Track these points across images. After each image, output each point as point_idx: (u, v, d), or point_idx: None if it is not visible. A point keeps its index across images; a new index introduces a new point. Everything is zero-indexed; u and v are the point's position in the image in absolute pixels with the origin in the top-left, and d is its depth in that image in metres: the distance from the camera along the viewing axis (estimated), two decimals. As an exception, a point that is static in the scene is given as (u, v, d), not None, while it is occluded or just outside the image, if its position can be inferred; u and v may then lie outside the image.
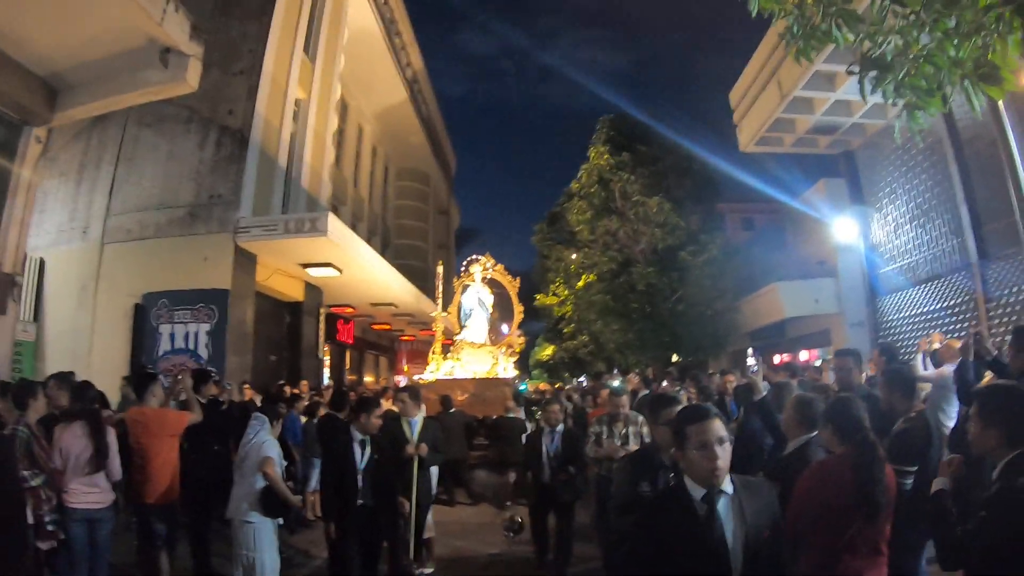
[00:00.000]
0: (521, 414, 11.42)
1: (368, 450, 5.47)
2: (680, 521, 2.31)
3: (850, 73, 3.81)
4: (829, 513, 2.84)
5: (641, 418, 5.90)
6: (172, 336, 11.27)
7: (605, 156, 26.50)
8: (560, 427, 6.57)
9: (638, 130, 26.48)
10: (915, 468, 3.45)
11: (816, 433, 3.50)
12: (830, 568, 2.89)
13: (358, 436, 5.46)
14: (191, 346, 11.23)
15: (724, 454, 2.30)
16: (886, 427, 3.98)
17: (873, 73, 3.52)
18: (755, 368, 11.45)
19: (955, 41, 3.17)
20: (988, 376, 4.94)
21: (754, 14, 3.83)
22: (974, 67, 3.20)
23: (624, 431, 5.92)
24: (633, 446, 5.63)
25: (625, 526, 2.83)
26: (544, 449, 6.40)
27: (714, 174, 26.32)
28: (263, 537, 5.15)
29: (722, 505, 2.31)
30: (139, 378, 6.50)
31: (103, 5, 7.78)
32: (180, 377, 6.60)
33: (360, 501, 5.32)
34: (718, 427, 2.34)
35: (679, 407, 3.19)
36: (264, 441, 5.32)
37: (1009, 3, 2.91)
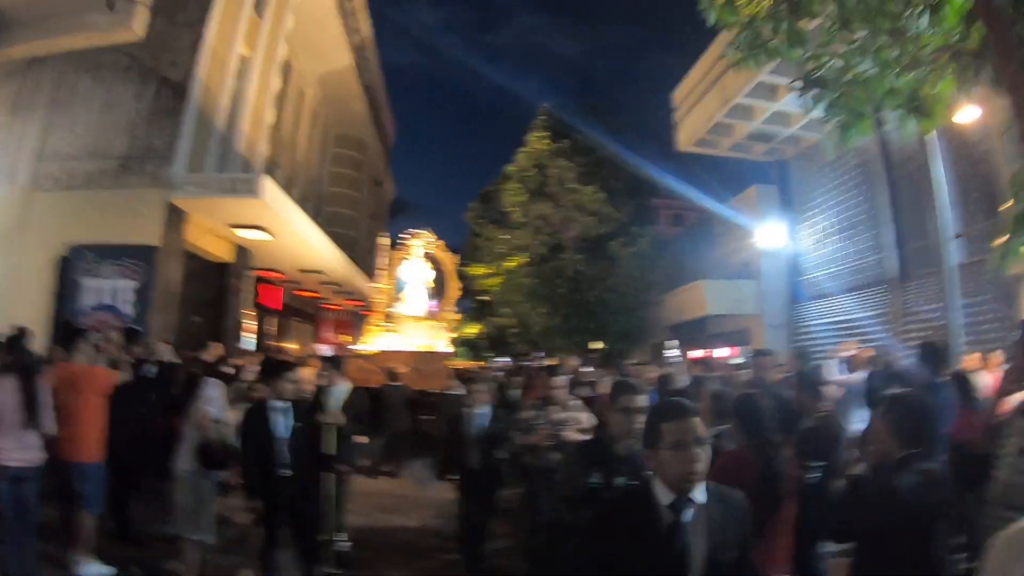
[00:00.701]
0: (463, 390, 11.43)
1: (290, 418, 5.23)
2: (641, 526, 2.17)
3: (792, 88, 4.09)
4: None
5: (580, 403, 5.88)
6: (97, 291, 10.89)
7: (544, 141, 26.83)
8: (486, 409, 6.07)
9: (579, 119, 26.80)
10: (820, 464, 3.71)
11: (728, 425, 3.86)
12: None
13: (277, 404, 5.21)
14: (116, 302, 10.89)
15: (703, 456, 2.17)
16: (795, 424, 4.34)
17: (814, 91, 3.79)
18: (678, 359, 11.92)
19: (895, 71, 3.45)
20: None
21: (711, 22, 4.04)
22: (908, 99, 3.50)
23: (559, 417, 5.53)
24: (569, 434, 5.30)
25: (578, 520, 2.91)
26: (469, 432, 5.94)
27: (648, 168, 26.96)
28: (201, 490, 5.19)
29: (690, 516, 2.17)
30: (67, 333, 6.35)
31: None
32: (111, 335, 6.51)
33: (286, 472, 5.08)
34: (697, 425, 2.21)
35: (641, 395, 3.36)
36: (211, 398, 5.46)
37: (947, 50, 3.18)
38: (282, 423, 5.15)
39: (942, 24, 2.99)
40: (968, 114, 8.68)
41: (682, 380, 6.19)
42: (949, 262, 12.75)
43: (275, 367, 5.41)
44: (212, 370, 7.12)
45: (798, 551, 3.47)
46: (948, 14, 2.91)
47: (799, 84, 3.95)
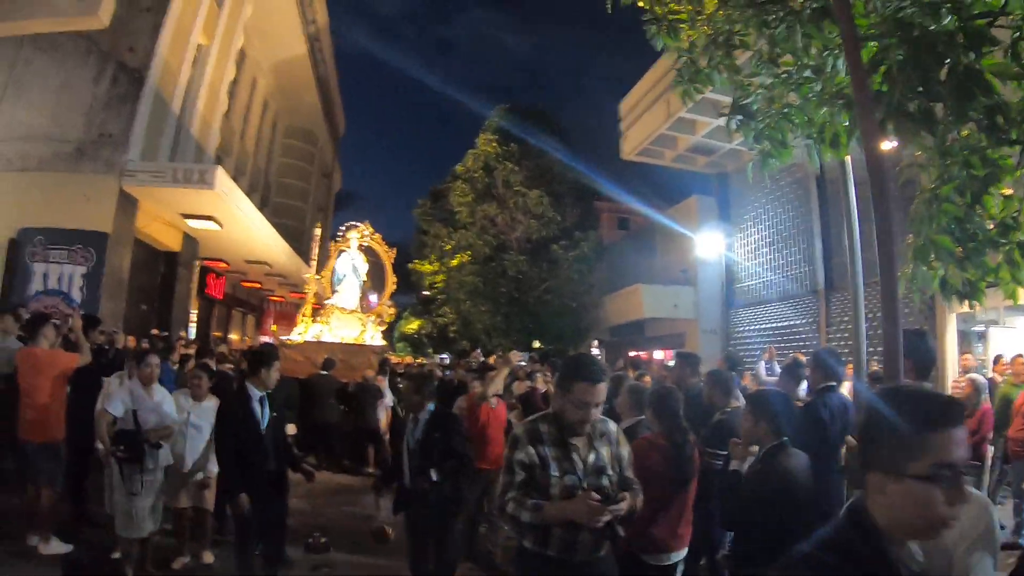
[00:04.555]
0: (384, 383, 11.42)
1: (268, 408, 4.97)
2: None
3: (721, 115, 4.51)
4: (649, 480, 3.35)
5: None
6: (45, 276, 10.71)
7: (493, 144, 27.19)
8: (424, 413, 4.92)
9: (529, 123, 27.21)
10: (725, 452, 4.08)
11: (644, 416, 4.39)
12: (650, 524, 3.69)
13: (256, 393, 4.94)
14: (65, 288, 10.74)
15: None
16: (706, 418, 4.89)
17: (739, 118, 4.20)
18: (597, 356, 12.44)
19: (813, 105, 3.88)
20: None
21: (659, 48, 4.41)
22: (819, 131, 3.95)
23: None
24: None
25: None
26: (406, 443, 4.94)
27: (594, 174, 27.60)
28: (131, 485, 5.23)
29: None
30: (33, 318, 6.44)
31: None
32: (72, 320, 6.61)
33: (270, 464, 4.88)
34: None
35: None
36: (109, 394, 5.63)
37: (841, 99, 3.60)
38: (259, 412, 4.93)
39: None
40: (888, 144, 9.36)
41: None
42: (856, 279, 13.56)
43: (261, 356, 5.16)
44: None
45: (699, 526, 4.15)
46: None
47: (726, 111, 4.29)
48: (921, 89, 2.63)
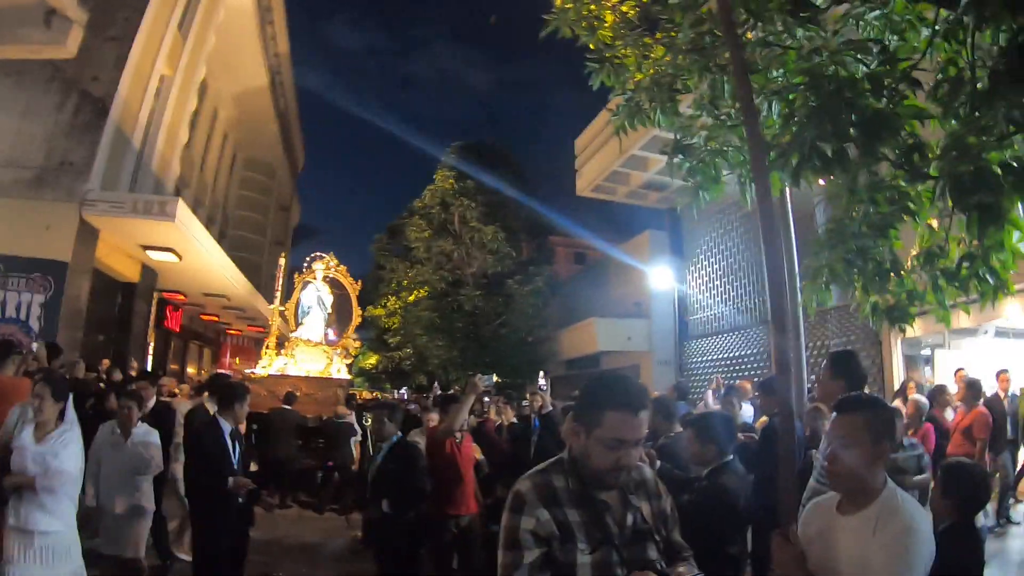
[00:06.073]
0: (351, 418, 11.41)
1: (239, 443, 5.04)
2: None
3: (663, 154, 4.80)
4: None
5: None
6: (3, 304, 10.55)
7: (450, 180, 27.64)
8: (387, 443, 5.09)
9: (485, 160, 27.77)
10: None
11: None
12: None
13: (228, 428, 4.98)
14: (22, 316, 10.58)
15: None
16: (651, 443, 5.07)
17: (679, 157, 4.51)
18: (544, 387, 12.72)
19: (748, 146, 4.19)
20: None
21: (595, 87, 4.56)
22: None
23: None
24: None
25: None
26: (369, 473, 4.98)
27: (550, 210, 28.21)
28: None
29: None
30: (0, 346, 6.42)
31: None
32: (35, 349, 6.63)
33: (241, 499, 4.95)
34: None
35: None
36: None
37: (777, 149, 3.92)
38: (231, 447, 4.97)
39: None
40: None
41: (548, 404, 6.88)
42: (795, 308, 14.17)
43: (233, 390, 5.22)
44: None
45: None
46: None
47: (668, 150, 4.49)
48: (833, 132, 2.92)
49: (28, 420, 4.29)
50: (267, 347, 14.81)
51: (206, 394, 7.27)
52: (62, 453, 4.16)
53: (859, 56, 3.05)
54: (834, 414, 2.33)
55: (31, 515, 4.04)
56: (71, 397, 4.31)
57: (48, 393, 4.20)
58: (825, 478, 2.68)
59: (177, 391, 9.43)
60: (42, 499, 4.05)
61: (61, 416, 4.27)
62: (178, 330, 18.53)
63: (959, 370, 8.52)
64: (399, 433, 5.24)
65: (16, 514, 4.06)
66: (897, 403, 7.80)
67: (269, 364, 14.23)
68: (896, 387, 11.14)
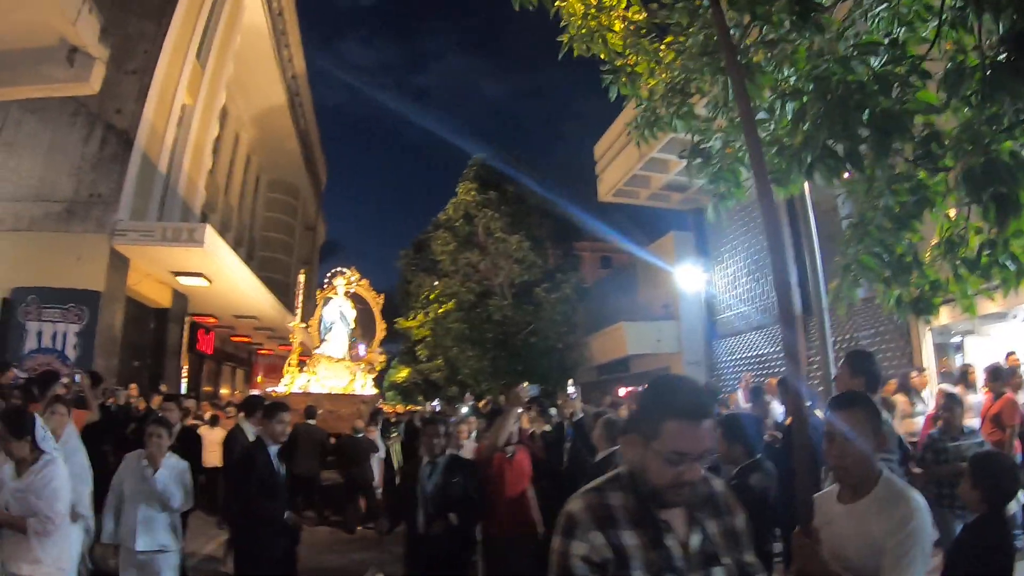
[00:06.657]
0: (376, 435, 11.22)
1: (281, 461, 4.95)
2: None
3: (681, 157, 4.76)
4: None
5: None
6: (39, 334, 10.85)
7: (472, 193, 27.70)
8: (443, 458, 4.85)
9: (507, 168, 27.83)
10: None
11: (618, 447, 4.48)
12: None
13: (273, 450, 4.86)
14: (58, 346, 10.87)
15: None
16: None
17: (698, 161, 4.47)
18: (574, 395, 12.61)
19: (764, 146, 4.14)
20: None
21: (613, 99, 4.58)
22: (770, 169, 4.22)
23: None
24: None
25: None
26: (420, 488, 4.75)
27: (575, 216, 28.11)
28: None
29: None
30: (43, 376, 6.55)
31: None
32: (80, 378, 6.77)
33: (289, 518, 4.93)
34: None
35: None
36: None
37: (789, 149, 3.87)
38: (278, 466, 4.89)
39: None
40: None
41: (579, 411, 6.82)
42: (805, 306, 13.98)
43: (271, 408, 5.13)
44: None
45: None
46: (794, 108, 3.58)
47: (685, 154, 4.39)
48: (844, 134, 2.90)
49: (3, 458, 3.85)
50: (289, 364, 14.74)
51: (241, 414, 7.33)
52: (44, 492, 3.71)
53: (865, 58, 3.02)
54: (831, 412, 2.43)
55: (12, 556, 3.69)
56: (37, 426, 3.83)
57: (5, 432, 3.74)
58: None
59: (220, 414, 9.57)
60: (30, 540, 3.66)
61: (36, 447, 3.80)
62: (211, 352, 18.82)
63: (1011, 354, 8.04)
64: (452, 449, 5.15)
65: None
66: (897, 397, 7.67)
67: (291, 382, 14.16)
68: (932, 376, 10.88)
